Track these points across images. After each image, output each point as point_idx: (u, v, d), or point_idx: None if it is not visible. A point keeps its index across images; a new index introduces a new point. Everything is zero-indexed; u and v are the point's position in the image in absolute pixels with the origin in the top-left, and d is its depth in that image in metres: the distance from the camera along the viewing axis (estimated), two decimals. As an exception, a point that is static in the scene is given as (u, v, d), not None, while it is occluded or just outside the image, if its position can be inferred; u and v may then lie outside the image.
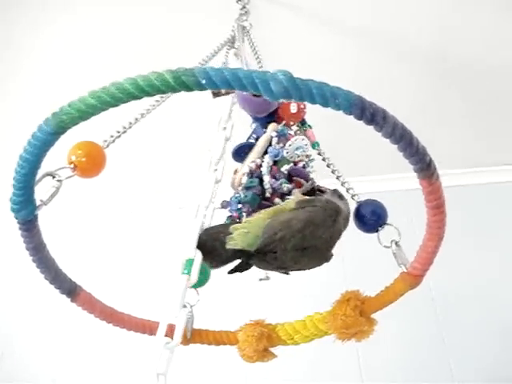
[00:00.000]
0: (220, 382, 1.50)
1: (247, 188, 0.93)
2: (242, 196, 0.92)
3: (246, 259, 0.81)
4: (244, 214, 0.91)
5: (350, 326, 0.86)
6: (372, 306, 0.88)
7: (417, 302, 1.28)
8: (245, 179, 0.93)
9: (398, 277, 0.86)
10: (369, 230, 0.89)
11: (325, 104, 0.60)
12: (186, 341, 0.96)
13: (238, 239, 0.80)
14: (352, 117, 0.62)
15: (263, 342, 0.93)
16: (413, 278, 0.83)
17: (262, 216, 0.81)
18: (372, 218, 0.88)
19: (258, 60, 1.11)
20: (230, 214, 0.93)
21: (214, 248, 0.80)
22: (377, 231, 0.89)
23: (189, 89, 0.59)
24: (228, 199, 0.94)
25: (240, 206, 0.91)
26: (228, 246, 0.79)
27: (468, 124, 1.63)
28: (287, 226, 0.79)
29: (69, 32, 1.39)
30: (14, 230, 0.76)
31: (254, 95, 0.84)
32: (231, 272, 0.83)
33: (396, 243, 0.86)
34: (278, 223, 0.80)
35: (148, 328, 0.97)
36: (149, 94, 0.60)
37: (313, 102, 0.60)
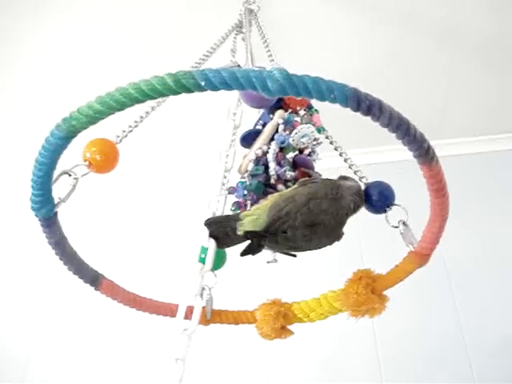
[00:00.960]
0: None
1: (253, 175, 0.95)
2: (248, 183, 0.94)
3: (257, 241, 0.83)
4: (249, 201, 0.94)
5: (362, 304, 0.89)
6: (383, 284, 0.90)
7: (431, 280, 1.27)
8: (251, 166, 0.96)
9: (406, 256, 0.88)
10: (377, 210, 0.91)
11: (321, 98, 0.62)
12: (206, 321, 1.00)
13: (248, 225, 0.82)
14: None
15: (280, 320, 0.97)
16: (420, 257, 0.85)
17: (268, 201, 0.84)
18: (380, 199, 0.90)
19: (266, 44, 1.11)
20: (236, 199, 0.96)
21: (225, 234, 0.83)
22: (385, 211, 0.90)
23: (189, 91, 0.62)
24: (234, 185, 0.97)
25: (246, 192, 0.94)
26: (239, 232, 0.82)
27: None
28: (291, 201, 0.82)
29: (69, 27, 1.41)
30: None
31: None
32: (243, 254, 0.85)
33: (404, 223, 0.88)
34: (283, 200, 0.83)
35: (169, 310, 1.01)
36: (152, 98, 0.63)
37: (309, 96, 0.62)
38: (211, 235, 0.81)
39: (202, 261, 0.79)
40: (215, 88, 0.61)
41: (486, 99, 1.64)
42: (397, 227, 0.88)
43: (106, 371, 1.59)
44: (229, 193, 0.95)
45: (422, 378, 1.44)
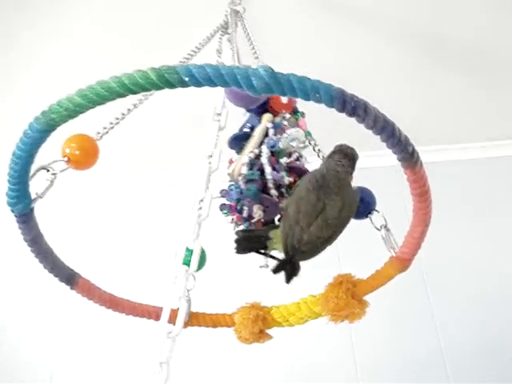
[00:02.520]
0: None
1: (249, 180, 0.95)
2: (245, 188, 0.94)
3: (293, 265, 0.86)
4: (245, 207, 0.93)
5: (342, 308, 0.89)
6: (363, 289, 0.90)
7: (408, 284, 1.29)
8: (245, 170, 0.95)
9: (387, 261, 0.88)
10: (359, 216, 0.91)
11: (306, 98, 0.61)
12: (184, 324, 0.99)
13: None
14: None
15: (259, 324, 0.96)
16: (401, 262, 0.86)
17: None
18: (361, 205, 0.90)
19: (252, 46, 1.11)
20: (227, 202, 0.95)
21: (254, 248, 0.93)
22: (366, 217, 0.91)
23: (172, 86, 0.60)
24: (226, 188, 0.96)
25: (239, 196, 0.93)
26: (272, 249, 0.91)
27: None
28: (285, 217, 0.86)
29: (63, 22, 1.39)
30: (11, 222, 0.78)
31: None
32: (288, 281, 0.87)
33: (386, 228, 0.88)
34: (282, 222, 0.87)
35: (146, 312, 0.99)
36: (134, 92, 0.61)
37: (294, 95, 0.61)
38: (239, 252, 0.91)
39: (187, 263, 0.77)
40: (199, 84, 0.60)
41: (466, 108, 1.66)
42: (379, 230, 0.88)
43: (85, 376, 1.56)
44: (221, 196, 0.95)
45: (398, 378, 1.45)
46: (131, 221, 1.81)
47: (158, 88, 0.61)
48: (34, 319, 1.68)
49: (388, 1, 1.36)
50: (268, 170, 0.94)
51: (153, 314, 0.99)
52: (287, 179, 0.95)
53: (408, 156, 0.67)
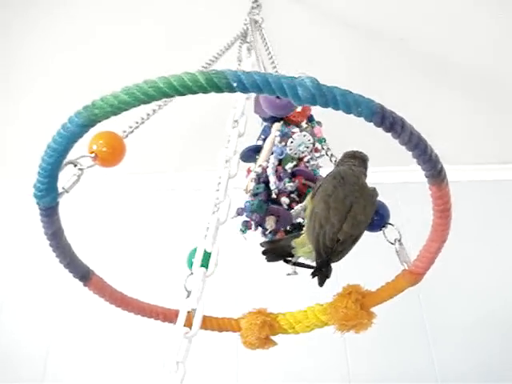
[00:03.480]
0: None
1: (254, 195, 0.97)
2: (250, 204, 0.96)
3: (326, 267, 0.85)
4: (253, 222, 0.95)
5: (351, 319, 0.90)
6: (372, 300, 0.92)
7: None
8: (252, 185, 0.97)
9: (399, 274, 0.90)
10: (373, 228, 0.92)
11: (347, 111, 0.63)
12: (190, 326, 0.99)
13: (304, 255, 0.90)
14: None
15: (265, 330, 0.97)
16: (414, 276, 0.88)
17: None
18: (375, 217, 0.91)
19: (270, 56, 1.13)
20: (246, 219, 0.97)
21: (281, 257, 0.95)
22: (380, 230, 0.93)
23: (219, 90, 0.62)
24: (242, 206, 0.98)
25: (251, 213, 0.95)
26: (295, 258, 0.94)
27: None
28: (316, 217, 0.85)
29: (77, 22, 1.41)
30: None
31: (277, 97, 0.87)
32: (321, 284, 0.87)
33: (399, 242, 0.90)
34: (309, 222, 0.86)
35: (155, 313, 0.99)
36: (180, 94, 0.62)
37: (336, 108, 0.63)
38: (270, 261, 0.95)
39: (205, 265, 0.78)
40: (246, 90, 0.62)
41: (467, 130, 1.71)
42: (393, 244, 0.90)
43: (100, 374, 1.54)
44: (238, 214, 0.96)
45: (388, 377, 1.47)
46: (143, 223, 1.81)
47: (205, 91, 0.62)
48: (32, 310, 1.67)
49: (393, 21, 1.41)
50: (272, 180, 0.96)
51: (161, 315, 0.99)
52: (289, 185, 0.96)
53: (436, 173, 0.70)
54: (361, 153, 0.97)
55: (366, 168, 0.96)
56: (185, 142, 1.71)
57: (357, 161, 0.94)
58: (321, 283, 0.85)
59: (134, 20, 1.40)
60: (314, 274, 0.85)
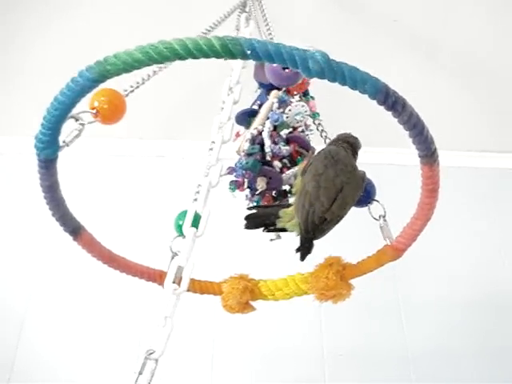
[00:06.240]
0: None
1: (249, 154, 0.98)
2: (244, 162, 0.97)
3: (310, 242, 0.88)
4: (246, 179, 0.97)
5: (331, 288, 0.93)
6: (352, 272, 0.96)
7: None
8: (247, 145, 0.99)
9: (381, 248, 0.94)
10: (359, 204, 0.96)
11: (353, 87, 0.65)
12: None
13: (291, 228, 0.91)
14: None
15: (246, 295, 0.99)
16: (395, 252, 0.92)
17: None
18: (364, 193, 0.94)
19: (268, 27, 1.14)
20: (235, 179, 0.99)
21: (262, 225, 0.95)
22: (366, 205, 0.96)
23: (233, 56, 0.63)
24: (233, 165, 0.99)
25: (244, 171, 0.97)
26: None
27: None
28: (306, 194, 0.87)
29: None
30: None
31: (284, 68, 0.89)
32: (302, 258, 0.89)
33: (384, 218, 0.94)
34: (299, 198, 0.88)
35: (139, 272, 1.01)
36: (194, 57, 0.63)
37: (343, 83, 0.65)
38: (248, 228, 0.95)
39: (195, 226, 0.80)
40: (258, 58, 0.63)
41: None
42: (378, 220, 0.94)
43: (89, 332, 1.54)
44: (228, 173, 0.98)
45: (364, 377, 1.51)
46: (131, 187, 1.80)
47: (219, 56, 0.63)
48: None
49: (401, 9, 1.43)
50: (267, 143, 0.98)
51: (145, 274, 1.01)
52: (285, 149, 0.99)
53: (430, 154, 0.73)
54: (355, 139, 0.98)
55: (356, 154, 0.97)
56: (177, 110, 1.71)
57: (348, 144, 0.95)
58: (302, 258, 0.88)
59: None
60: (297, 250, 0.88)
